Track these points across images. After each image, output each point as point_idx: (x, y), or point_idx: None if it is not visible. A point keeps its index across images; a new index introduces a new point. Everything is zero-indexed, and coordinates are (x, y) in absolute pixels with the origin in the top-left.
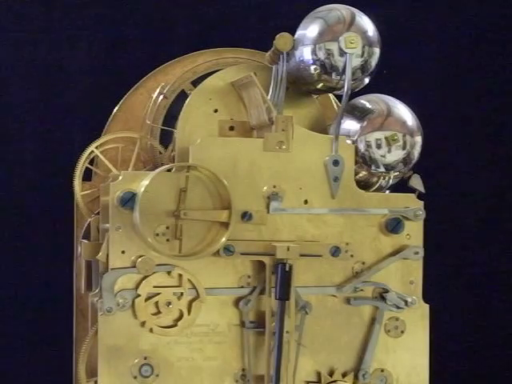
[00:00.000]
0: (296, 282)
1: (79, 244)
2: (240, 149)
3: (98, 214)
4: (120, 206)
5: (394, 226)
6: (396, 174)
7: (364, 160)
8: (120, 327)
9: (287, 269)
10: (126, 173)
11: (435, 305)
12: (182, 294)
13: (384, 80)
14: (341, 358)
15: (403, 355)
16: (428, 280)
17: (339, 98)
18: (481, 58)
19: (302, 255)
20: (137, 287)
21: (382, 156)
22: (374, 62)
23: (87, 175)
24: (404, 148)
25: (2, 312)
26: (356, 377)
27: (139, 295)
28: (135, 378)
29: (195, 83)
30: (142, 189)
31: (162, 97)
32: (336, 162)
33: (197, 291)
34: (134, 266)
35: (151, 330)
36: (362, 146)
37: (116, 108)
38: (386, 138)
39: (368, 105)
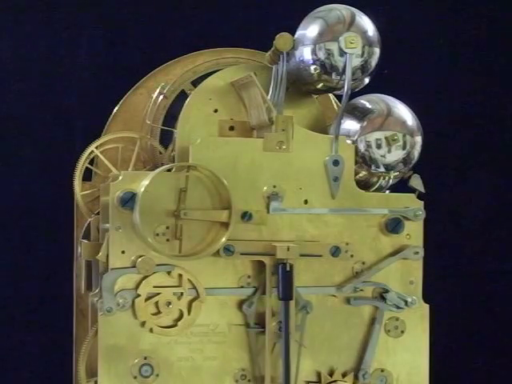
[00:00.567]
0: (296, 282)
1: (79, 244)
2: (240, 149)
3: (98, 214)
4: (120, 206)
5: (394, 226)
6: (396, 173)
7: (364, 160)
8: (120, 327)
9: (288, 269)
10: (125, 173)
11: (435, 305)
12: (181, 294)
13: (384, 80)
14: (341, 358)
15: (403, 355)
16: (428, 280)
17: (339, 98)
18: (481, 57)
19: (302, 255)
20: (137, 287)
21: (381, 156)
22: (373, 62)
23: (87, 175)
24: (404, 148)
25: (1, 312)
26: (356, 377)
27: (139, 295)
28: (135, 378)
29: (195, 83)
30: (142, 189)
31: (161, 97)
32: (336, 162)
33: (197, 291)
34: (134, 266)
35: (151, 330)
36: (361, 146)
37: (116, 108)
38: (386, 138)
39: (368, 105)
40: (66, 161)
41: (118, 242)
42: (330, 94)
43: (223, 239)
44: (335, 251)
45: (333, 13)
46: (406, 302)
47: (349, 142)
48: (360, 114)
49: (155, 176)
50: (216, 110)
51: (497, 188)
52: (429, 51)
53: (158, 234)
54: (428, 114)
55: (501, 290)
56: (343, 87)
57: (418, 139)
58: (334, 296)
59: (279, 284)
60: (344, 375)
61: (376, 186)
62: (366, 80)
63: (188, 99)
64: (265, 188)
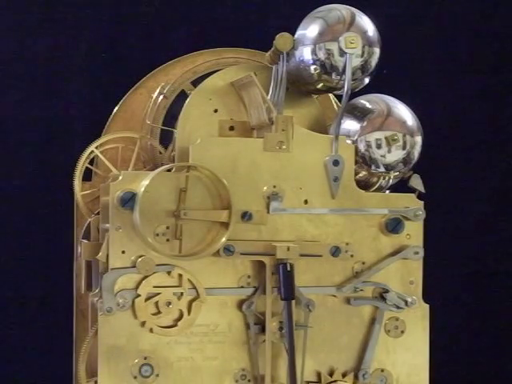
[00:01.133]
0: (296, 282)
1: (79, 244)
2: (240, 149)
3: (98, 214)
4: (120, 205)
5: (394, 226)
6: (396, 173)
7: (364, 160)
8: (120, 327)
9: (289, 268)
10: (125, 173)
11: (435, 305)
12: (181, 293)
13: (384, 80)
14: (341, 358)
15: (403, 355)
16: (428, 280)
17: (339, 98)
18: (481, 57)
19: (302, 255)
20: (137, 287)
21: (382, 156)
22: (373, 61)
23: (87, 175)
24: (404, 148)
25: (2, 312)
26: (356, 377)
27: (139, 295)
28: (135, 378)
29: (195, 83)
30: (142, 189)
31: (161, 97)
32: (336, 162)
33: (197, 291)
34: (134, 266)
35: (151, 330)
36: (362, 146)
37: (116, 108)
38: (386, 138)
39: (368, 105)
40: (66, 161)
41: (118, 242)
42: (330, 94)
43: (223, 239)
44: (335, 251)
45: (333, 13)
46: (406, 301)
47: (349, 141)
48: (360, 113)
49: (155, 176)
50: (216, 110)
51: (497, 188)
52: (429, 51)
53: (157, 234)
54: (428, 114)
55: (500, 290)
56: (343, 87)
57: (418, 139)
58: (334, 296)
59: (281, 284)
60: (344, 375)
61: (376, 186)
62: (366, 80)
63: (188, 99)
64: (265, 188)
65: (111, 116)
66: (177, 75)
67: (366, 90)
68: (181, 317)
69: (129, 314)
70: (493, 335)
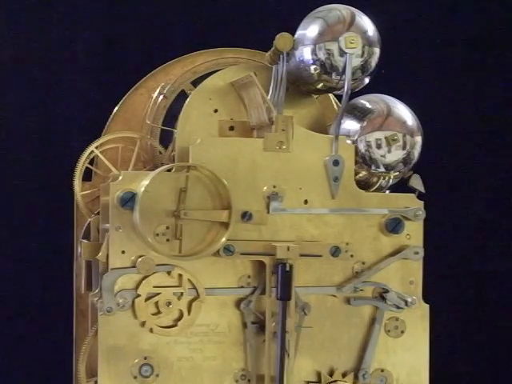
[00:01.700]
0: (296, 282)
1: (79, 244)
2: (240, 149)
3: (98, 213)
4: (120, 206)
5: (394, 226)
6: (396, 173)
7: (364, 160)
8: (120, 327)
9: (287, 269)
10: (125, 173)
11: (435, 305)
12: (181, 293)
13: (384, 80)
14: (341, 358)
15: (403, 355)
16: (428, 280)
17: (339, 97)
18: (480, 57)
19: (301, 255)
20: (137, 287)
21: (382, 156)
22: (373, 62)
23: (87, 175)
24: (404, 148)
25: (1, 312)
26: (356, 377)
27: (139, 295)
28: (135, 378)
29: (195, 83)
30: (142, 189)
31: (161, 97)
32: (336, 162)
33: (197, 291)
34: (134, 266)
35: (151, 330)
36: (362, 146)
37: (116, 108)
38: (386, 138)
39: (368, 105)
40: (65, 161)
41: (118, 242)
42: (330, 94)
43: (223, 239)
44: (335, 251)
45: (333, 13)
46: (406, 302)
47: (349, 142)
48: (360, 113)
49: (155, 176)
50: (216, 110)
51: (497, 188)
52: (428, 51)
53: (157, 234)
54: (428, 114)
55: (500, 290)
56: (343, 87)
57: (418, 139)
58: (334, 296)
59: (278, 284)
60: (344, 375)
61: (376, 186)
62: (366, 80)
63: (188, 99)
64: (265, 188)
65: (111, 116)
66: (177, 75)
67: (366, 90)
68: (181, 317)
69: (129, 314)
70: (493, 335)
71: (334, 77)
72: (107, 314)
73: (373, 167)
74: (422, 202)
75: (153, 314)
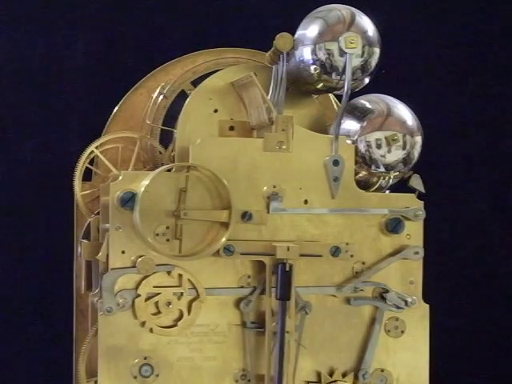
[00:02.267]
0: (296, 281)
1: (79, 244)
2: (240, 149)
3: (98, 214)
4: (120, 206)
5: (394, 226)
6: (396, 173)
7: (364, 160)
8: (120, 327)
9: (287, 269)
10: (125, 173)
11: (435, 305)
12: (181, 293)
13: (384, 80)
14: (341, 358)
15: (403, 355)
16: (428, 280)
17: (339, 97)
18: (480, 58)
19: (301, 255)
20: (137, 287)
21: (382, 156)
22: (373, 61)
23: (87, 175)
24: (404, 148)
25: (1, 312)
26: (356, 377)
27: (139, 295)
28: (135, 378)
29: (195, 83)
30: (142, 189)
31: (161, 97)
32: (336, 162)
33: (197, 291)
34: (134, 266)
35: (151, 330)
36: (362, 146)
37: (116, 108)
38: (386, 138)
39: (368, 105)
40: (65, 161)
41: (117, 242)
42: (330, 94)
43: (223, 239)
44: (335, 251)
45: (333, 13)
46: (406, 301)
47: (349, 142)
48: (360, 113)
49: (155, 176)
50: (216, 110)
51: (497, 188)
52: (429, 51)
53: (157, 234)
54: (428, 114)
55: (500, 290)
56: (343, 87)
57: (418, 139)
58: (334, 296)
59: (277, 284)
60: (344, 375)
61: (376, 186)
62: (366, 80)
63: (188, 99)
64: (265, 188)
65: (111, 116)
66: (177, 75)
67: (366, 90)
68: (181, 317)
69: (129, 314)
70: (493, 335)
71: (334, 77)
72: (107, 314)
73: (373, 167)
74: (422, 201)
75: (153, 314)
